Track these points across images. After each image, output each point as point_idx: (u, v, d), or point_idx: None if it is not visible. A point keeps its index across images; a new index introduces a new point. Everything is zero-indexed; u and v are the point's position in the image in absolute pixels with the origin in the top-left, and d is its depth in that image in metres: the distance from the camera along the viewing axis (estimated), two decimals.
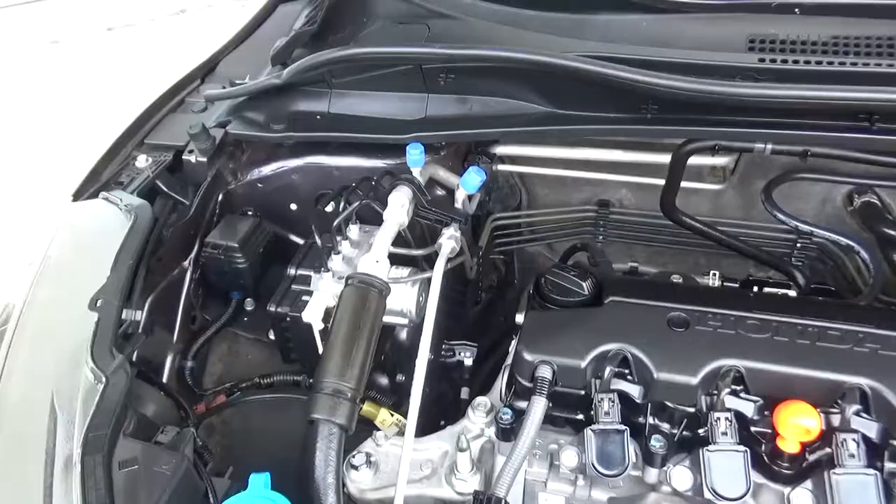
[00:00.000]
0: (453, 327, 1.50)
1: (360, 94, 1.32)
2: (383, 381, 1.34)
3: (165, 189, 1.30)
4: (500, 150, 1.47)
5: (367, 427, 1.17)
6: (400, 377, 1.35)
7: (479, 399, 1.13)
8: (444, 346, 1.46)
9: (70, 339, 0.94)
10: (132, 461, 0.79)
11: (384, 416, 1.24)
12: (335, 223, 1.16)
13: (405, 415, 1.06)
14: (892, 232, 1.34)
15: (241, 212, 1.36)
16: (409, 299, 1.18)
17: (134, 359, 1.03)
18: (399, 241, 1.21)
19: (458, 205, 1.25)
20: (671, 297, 1.05)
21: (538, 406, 0.97)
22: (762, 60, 1.04)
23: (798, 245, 1.50)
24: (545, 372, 1.00)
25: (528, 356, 1.02)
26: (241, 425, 1.30)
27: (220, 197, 1.35)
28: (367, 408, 1.25)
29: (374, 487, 1.08)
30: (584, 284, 1.12)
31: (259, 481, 0.81)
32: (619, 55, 1.09)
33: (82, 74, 4.59)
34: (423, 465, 1.12)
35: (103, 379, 0.87)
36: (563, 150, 1.45)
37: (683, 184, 1.44)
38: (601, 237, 1.60)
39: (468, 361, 1.47)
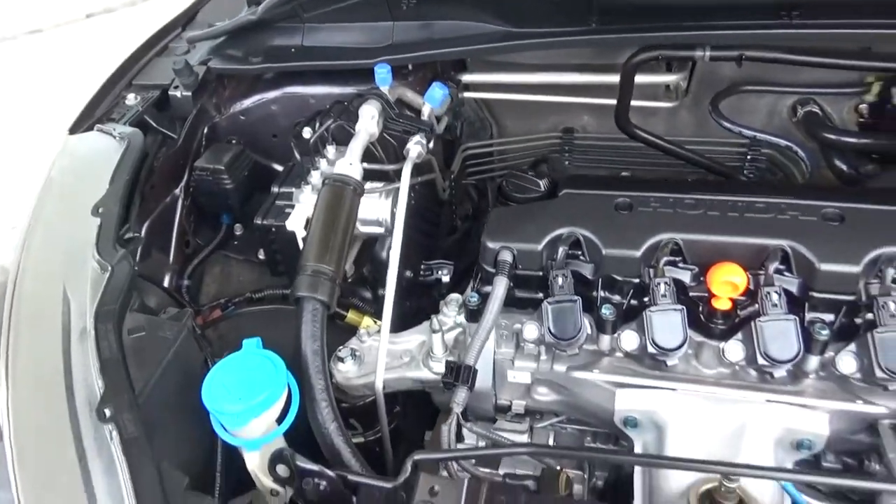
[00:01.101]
0: (431, 250, 1.60)
1: (331, 26, 1.42)
2: (367, 294, 1.45)
3: (154, 124, 1.40)
4: (466, 77, 1.57)
5: (352, 334, 1.28)
6: (381, 291, 1.45)
7: (452, 295, 1.24)
8: (422, 266, 1.56)
9: (76, 241, 1.05)
10: (139, 329, 0.90)
11: (368, 322, 1.36)
12: (311, 140, 1.27)
13: None
14: (832, 136, 1.46)
15: (226, 140, 1.47)
16: (383, 209, 1.29)
17: (136, 265, 1.12)
18: (373, 160, 1.31)
19: (425, 118, 1.35)
20: (618, 187, 1.16)
21: (500, 285, 1.09)
22: None
23: (749, 157, 1.61)
24: (506, 256, 1.11)
25: (490, 244, 1.13)
26: (235, 339, 1.40)
27: (206, 130, 1.45)
28: (351, 315, 1.36)
29: (358, 375, 1.20)
30: (540, 182, 1.23)
31: (252, 343, 0.91)
32: None
33: (68, 63, 4.64)
34: (403, 354, 1.23)
35: (108, 268, 0.97)
36: (525, 76, 1.55)
37: (640, 103, 1.54)
38: (567, 162, 1.71)
39: (445, 278, 1.57)
